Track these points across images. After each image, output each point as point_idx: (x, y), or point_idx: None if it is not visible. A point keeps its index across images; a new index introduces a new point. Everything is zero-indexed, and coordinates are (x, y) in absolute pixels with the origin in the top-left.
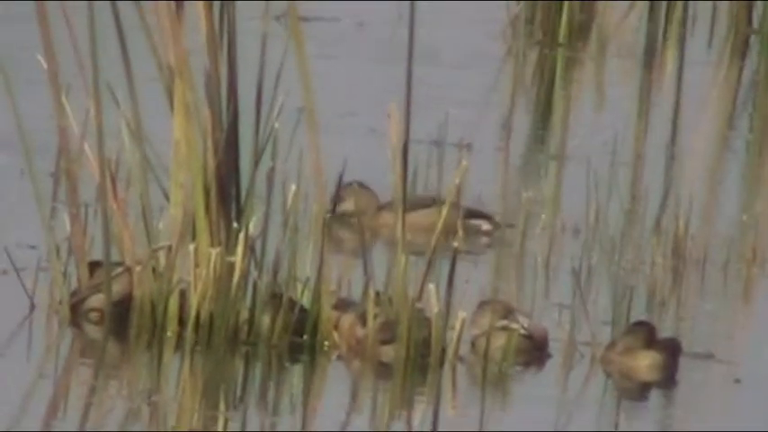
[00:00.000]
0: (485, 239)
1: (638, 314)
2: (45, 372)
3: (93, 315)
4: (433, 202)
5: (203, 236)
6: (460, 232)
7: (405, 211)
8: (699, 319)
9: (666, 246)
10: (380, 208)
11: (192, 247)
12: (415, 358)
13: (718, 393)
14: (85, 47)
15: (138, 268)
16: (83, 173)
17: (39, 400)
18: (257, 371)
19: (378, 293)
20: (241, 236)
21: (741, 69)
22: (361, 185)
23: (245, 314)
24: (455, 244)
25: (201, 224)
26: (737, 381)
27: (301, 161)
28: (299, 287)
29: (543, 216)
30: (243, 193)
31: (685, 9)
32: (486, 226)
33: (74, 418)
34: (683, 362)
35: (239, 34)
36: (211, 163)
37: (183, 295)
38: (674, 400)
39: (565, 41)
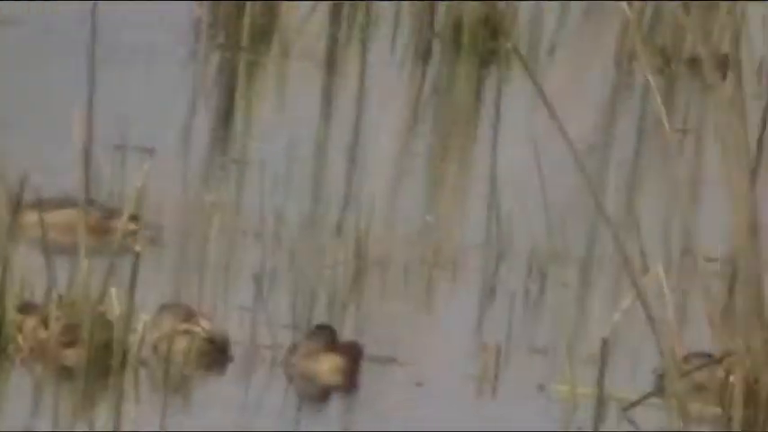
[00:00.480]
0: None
1: (320, 317)
2: None
3: None
4: (73, 202)
5: None
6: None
7: (86, 213)
8: (380, 322)
9: (348, 248)
10: (21, 207)
11: None
12: (98, 361)
13: (400, 396)
14: None
15: None
16: None
17: None
18: None
19: (60, 296)
20: None
21: (423, 73)
22: None
23: None
24: (137, 248)
25: None
26: (419, 384)
27: None
28: None
29: (225, 220)
30: None
31: (368, 12)
32: (131, 226)
33: None
34: (365, 365)
35: None
36: None
37: None
38: (355, 404)
39: (247, 44)
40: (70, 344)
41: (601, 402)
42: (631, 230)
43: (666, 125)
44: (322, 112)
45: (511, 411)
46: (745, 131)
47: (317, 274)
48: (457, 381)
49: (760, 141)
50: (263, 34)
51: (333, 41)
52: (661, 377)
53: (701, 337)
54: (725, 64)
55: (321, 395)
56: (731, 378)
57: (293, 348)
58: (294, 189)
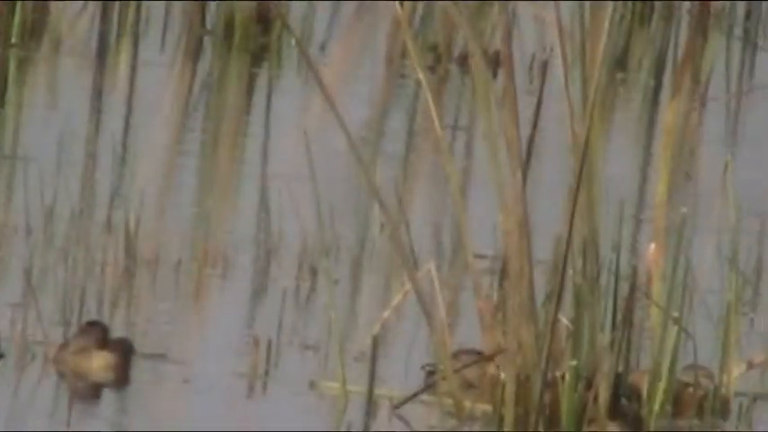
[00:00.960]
0: None
1: (91, 314)
2: None
3: None
4: None
5: None
6: None
7: None
8: (151, 318)
9: (118, 245)
10: None
11: None
12: None
13: (169, 393)
14: None
15: None
16: None
17: None
18: None
19: None
20: None
21: (194, 70)
22: None
23: None
24: None
25: None
26: (186, 381)
27: None
28: None
29: None
30: None
31: (138, 10)
32: None
33: None
34: (136, 362)
35: None
36: None
37: None
38: (126, 401)
39: (18, 41)
40: None
41: (371, 400)
42: (402, 227)
43: (437, 122)
44: (92, 108)
45: (281, 408)
46: (516, 129)
47: (88, 270)
48: (227, 377)
49: (531, 139)
50: (33, 31)
51: (103, 39)
52: (431, 374)
53: (473, 334)
54: (496, 61)
55: (92, 392)
56: (502, 376)
57: (64, 345)
58: (64, 185)
